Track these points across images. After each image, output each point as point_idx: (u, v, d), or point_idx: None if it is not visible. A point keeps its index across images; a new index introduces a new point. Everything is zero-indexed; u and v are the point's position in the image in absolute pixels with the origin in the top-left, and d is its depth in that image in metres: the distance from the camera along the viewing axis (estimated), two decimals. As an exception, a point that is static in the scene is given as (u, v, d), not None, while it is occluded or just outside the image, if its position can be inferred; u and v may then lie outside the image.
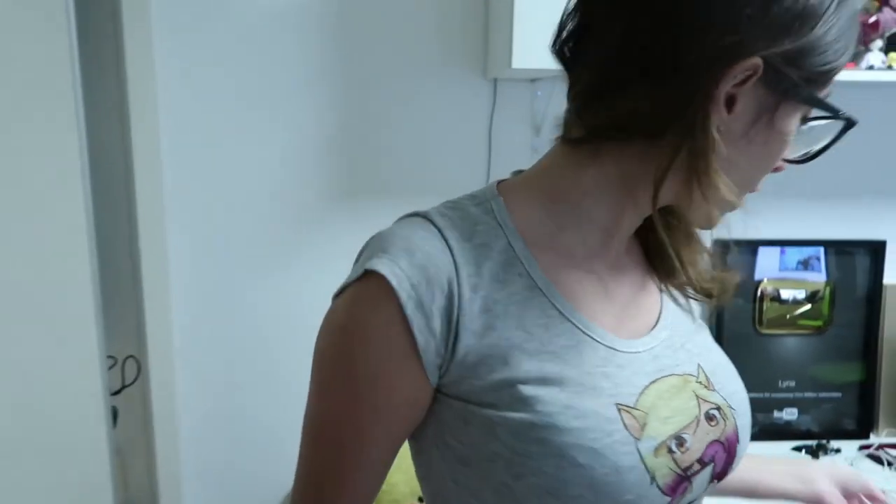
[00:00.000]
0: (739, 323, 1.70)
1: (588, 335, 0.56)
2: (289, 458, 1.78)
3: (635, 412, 0.54)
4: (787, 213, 1.70)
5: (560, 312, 0.56)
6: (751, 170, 0.56)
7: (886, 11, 1.39)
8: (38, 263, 1.24)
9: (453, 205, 0.59)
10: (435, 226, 0.55)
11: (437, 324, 0.52)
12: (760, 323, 1.70)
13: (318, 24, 1.51)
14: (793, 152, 0.57)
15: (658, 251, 0.64)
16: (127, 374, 1.59)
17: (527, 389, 0.53)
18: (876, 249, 1.70)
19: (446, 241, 0.54)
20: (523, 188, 0.60)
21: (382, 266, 0.52)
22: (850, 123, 0.54)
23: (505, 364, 0.53)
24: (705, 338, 0.67)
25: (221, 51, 1.51)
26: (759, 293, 1.69)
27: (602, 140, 0.55)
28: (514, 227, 0.57)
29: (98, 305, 1.30)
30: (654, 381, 0.57)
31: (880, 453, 1.59)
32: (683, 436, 0.56)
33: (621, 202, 0.58)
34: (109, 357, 1.47)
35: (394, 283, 0.52)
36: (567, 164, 0.58)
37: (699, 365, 0.62)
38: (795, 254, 1.70)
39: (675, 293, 0.65)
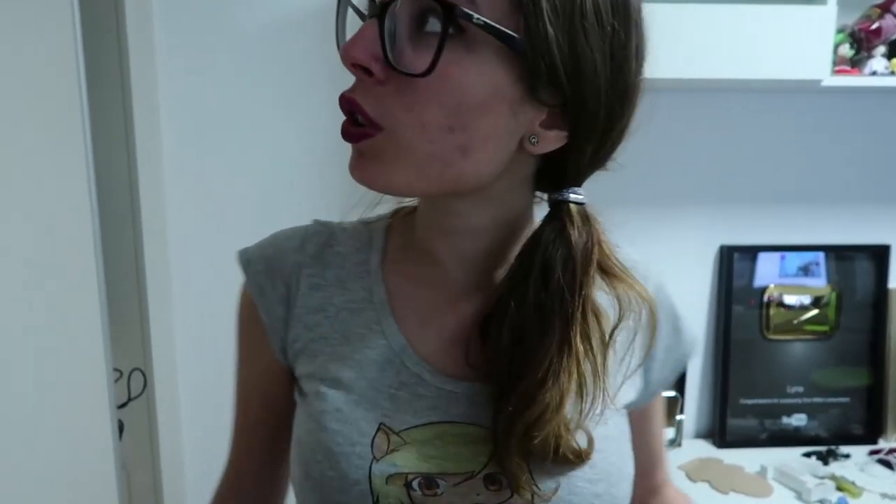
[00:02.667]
0: (746, 329, 1.70)
1: (399, 357, 0.57)
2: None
3: (394, 437, 0.55)
4: (789, 219, 1.71)
5: (381, 330, 0.58)
6: None
7: (888, 18, 1.41)
8: (43, 275, 1.23)
9: (363, 219, 0.66)
10: (306, 230, 0.64)
11: (278, 309, 0.61)
12: (767, 329, 1.70)
13: (326, 29, 1.51)
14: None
15: None
16: (133, 386, 1.58)
17: (321, 386, 0.57)
18: (880, 254, 1.71)
19: (304, 243, 0.62)
20: (408, 213, 0.64)
21: (241, 254, 0.64)
22: None
23: (316, 359, 0.59)
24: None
25: (226, 59, 1.50)
26: (765, 299, 1.69)
27: None
28: (382, 245, 0.62)
29: (105, 317, 1.29)
30: (447, 422, 0.55)
31: (890, 458, 1.59)
32: (437, 480, 0.54)
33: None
34: (115, 370, 1.46)
35: (242, 270, 0.63)
36: None
37: None
38: (795, 259, 1.70)
39: None
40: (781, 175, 1.69)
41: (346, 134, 0.51)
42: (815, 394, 1.71)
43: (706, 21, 1.33)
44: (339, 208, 1.57)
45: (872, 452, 1.63)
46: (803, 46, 1.36)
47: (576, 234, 0.54)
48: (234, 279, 1.58)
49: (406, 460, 0.54)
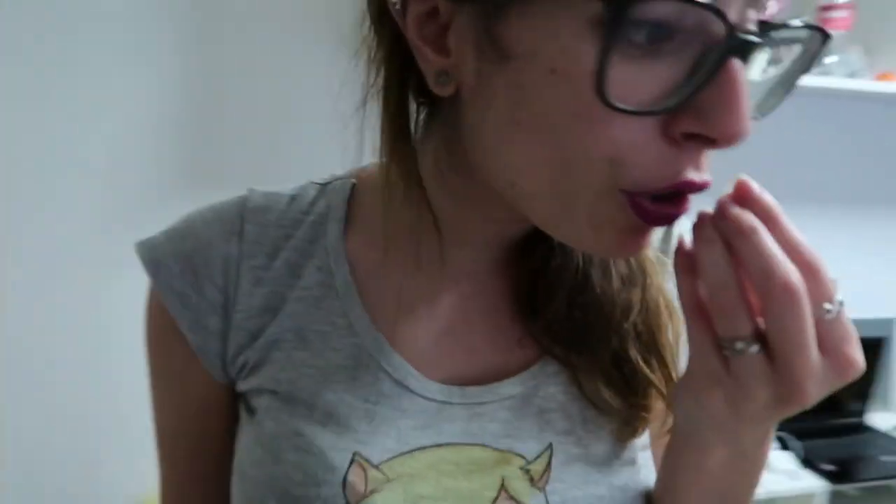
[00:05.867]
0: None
1: (374, 359, 0.44)
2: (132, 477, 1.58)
3: (372, 472, 0.42)
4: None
5: (349, 323, 0.45)
6: (540, 140, 0.34)
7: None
8: None
9: (304, 185, 0.50)
10: (243, 205, 0.47)
11: (211, 321, 0.46)
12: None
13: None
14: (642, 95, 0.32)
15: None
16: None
17: (271, 401, 0.45)
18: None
19: (242, 224, 0.47)
20: (383, 173, 0.47)
21: (144, 251, 0.47)
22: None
23: (264, 367, 0.46)
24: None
25: (38, 11, 1.31)
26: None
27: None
28: (343, 215, 0.47)
29: None
30: (441, 445, 0.43)
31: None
32: None
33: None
34: None
35: (149, 274, 0.47)
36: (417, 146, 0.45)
37: (550, 445, 0.44)
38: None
39: None
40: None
41: (665, 217, 0.36)
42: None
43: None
44: (181, 185, 1.43)
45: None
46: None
47: None
48: (57, 270, 1.40)
49: (390, 503, 0.42)
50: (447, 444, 0.43)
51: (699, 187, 0.35)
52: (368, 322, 0.45)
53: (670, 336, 0.46)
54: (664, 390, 0.45)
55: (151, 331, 0.49)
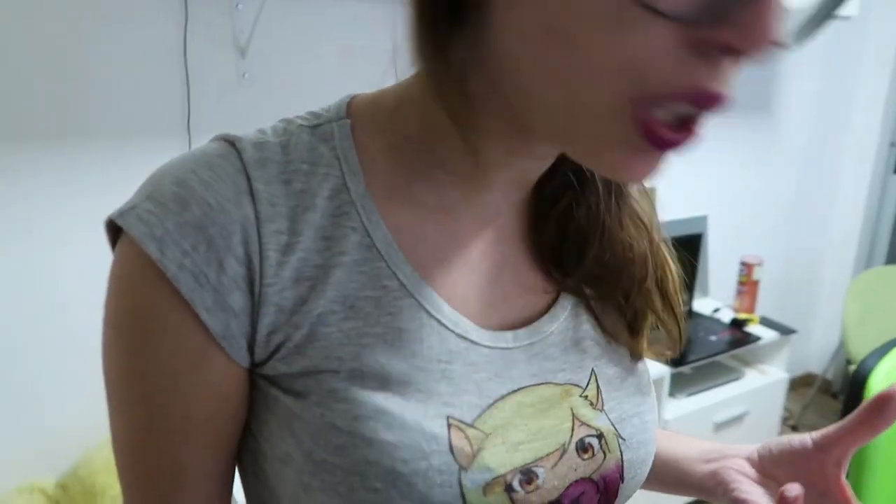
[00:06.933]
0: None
1: (434, 318, 0.43)
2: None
3: (471, 431, 0.41)
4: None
5: (401, 284, 0.42)
6: (563, 45, 0.34)
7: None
8: None
9: (284, 127, 0.44)
10: (240, 159, 0.40)
11: (236, 298, 0.39)
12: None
13: None
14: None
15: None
16: None
17: (335, 381, 0.40)
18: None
19: (249, 182, 0.40)
20: (377, 110, 0.45)
21: (137, 225, 0.38)
22: None
23: (311, 347, 0.40)
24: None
25: None
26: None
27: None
28: (357, 161, 0.43)
29: None
30: (516, 391, 0.44)
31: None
32: (535, 470, 0.43)
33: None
34: None
35: (152, 252, 0.38)
36: (419, 81, 0.42)
37: (593, 371, 0.48)
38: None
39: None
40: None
41: (673, 142, 0.35)
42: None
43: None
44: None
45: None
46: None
47: None
48: None
49: (498, 458, 0.42)
50: (520, 389, 0.44)
51: (714, 99, 0.34)
52: (419, 279, 0.43)
53: (671, 286, 0.51)
54: (677, 326, 0.51)
55: (143, 321, 0.40)
